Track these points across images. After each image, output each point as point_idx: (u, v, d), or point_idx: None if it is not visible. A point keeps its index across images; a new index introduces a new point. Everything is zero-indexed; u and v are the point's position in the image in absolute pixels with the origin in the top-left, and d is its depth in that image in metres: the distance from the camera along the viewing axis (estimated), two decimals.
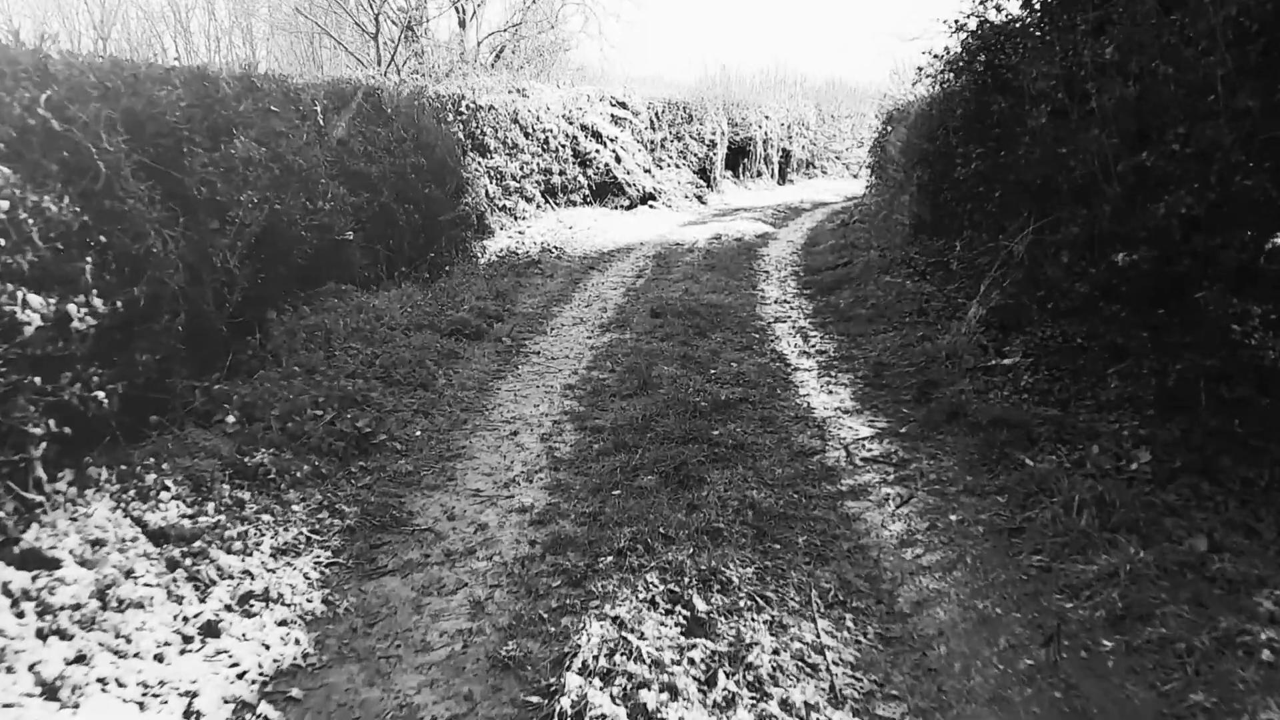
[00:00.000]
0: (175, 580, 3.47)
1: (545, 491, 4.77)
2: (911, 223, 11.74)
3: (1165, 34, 5.97)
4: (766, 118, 25.47)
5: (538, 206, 15.80)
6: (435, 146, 12.08)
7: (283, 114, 7.57)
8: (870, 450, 5.44)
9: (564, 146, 17.03)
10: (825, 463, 5.20)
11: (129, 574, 3.39)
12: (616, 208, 18.14)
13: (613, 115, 19.47)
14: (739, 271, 11.62)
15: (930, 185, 11.14)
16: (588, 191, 17.64)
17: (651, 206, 18.71)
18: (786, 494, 4.70)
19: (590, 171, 17.74)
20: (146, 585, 3.36)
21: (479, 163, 14.15)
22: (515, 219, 14.82)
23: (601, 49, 39.52)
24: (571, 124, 17.66)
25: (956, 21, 9.47)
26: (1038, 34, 8.33)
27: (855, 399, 6.44)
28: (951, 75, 10.63)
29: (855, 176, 29.94)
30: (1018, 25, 9.00)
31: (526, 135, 15.96)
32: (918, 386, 6.47)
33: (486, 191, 13.94)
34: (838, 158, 29.61)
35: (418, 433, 5.48)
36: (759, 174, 25.52)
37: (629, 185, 18.46)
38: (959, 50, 10.05)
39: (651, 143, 21.07)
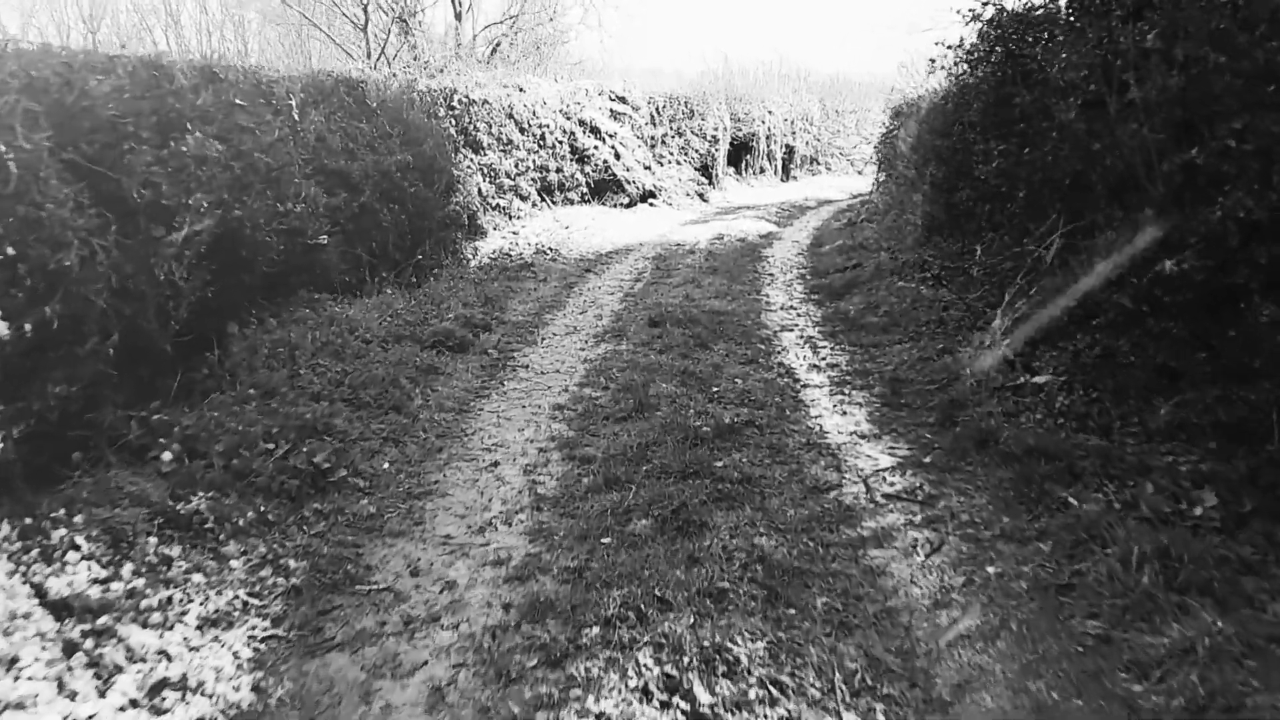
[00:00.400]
0: (70, 669, 2.87)
1: (525, 538, 4.17)
2: (924, 223, 11.13)
3: (1215, 18, 5.36)
4: (770, 112, 24.84)
5: (533, 205, 15.19)
6: (424, 143, 11.47)
7: (251, 108, 6.95)
8: (892, 484, 4.83)
9: (561, 143, 16.42)
10: (843, 500, 4.60)
11: (12, 664, 2.79)
12: (616, 206, 17.53)
13: (612, 110, 18.85)
14: (742, 274, 11.00)
15: (945, 183, 10.52)
16: (586, 189, 17.03)
17: (651, 204, 18.10)
18: (801, 541, 4.09)
19: (588, 169, 17.13)
20: (31, 679, 2.77)
21: (471, 160, 13.54)
22: (509, 218, 14.21)
23: (601, 41, 38.62)
24: (569, 119, 17.05)
25: (972, 11, 8.87)
26: (1065, 21, 7.73)
27: (872, 421, 5.83)
28: (967, 67, 10.03)
29: (860, 173, 29.33)
30: (1039, 13, 8.40)
31: (522, 131, 15.34)
32: (940, 407, 5.86)
33: (479, 190, 13.33)
34: (842, 154, 28.99)
35: (385, 465, 4.88)
36: (762, 171, 24.90)
37: (628, 183, 17.86)
38: (975, 40, 9.46)
39: (652, 138, 20.46)
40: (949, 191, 10.46)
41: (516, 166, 14.74)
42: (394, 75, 13.68)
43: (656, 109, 20.85)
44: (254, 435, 4.49)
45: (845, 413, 6.02)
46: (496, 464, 5.06)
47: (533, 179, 15.32)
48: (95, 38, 25.41)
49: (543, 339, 8.00)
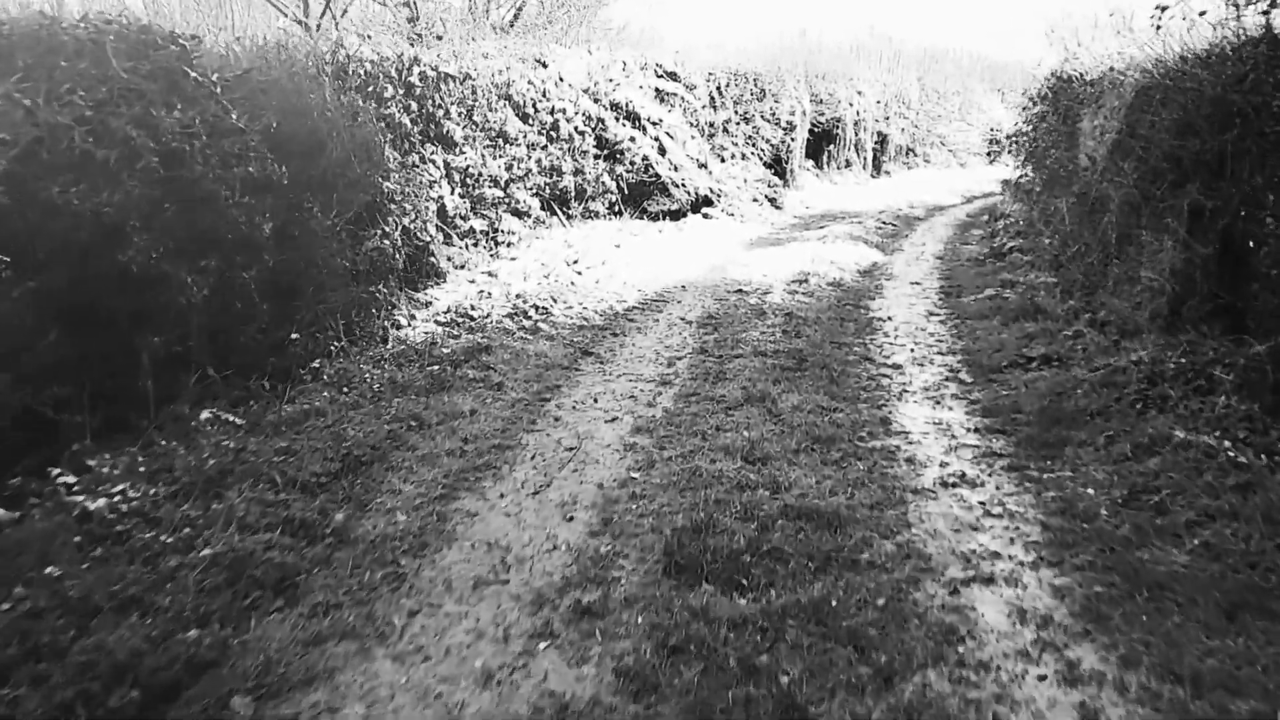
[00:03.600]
0: None
1: None
2: (1176, 289, 6.20)
3: None
4: (859, 94, 19.76)
5: (535, 223, 10.58)
6: (326, 142, 6.96)
7: None
8: None
9: (583, 134, 11.76)
10: None
11: None
12: (658, 217, 12.85)
13: (657, 90, 14.11)
14: (849, 372, 6.22)
15: (1219, 222, 5.69)
16: (616, 197, 12.36)
17: (706, 215, 13.35)
18: None
19: (621, 168, 12.45)
20: None
21: (437, 161, 8.99)
22: (494, 245, 9.63)
23: (651, 5, 31.96)
24: (597, 102, 12.39)
25: None
26: None
27: None
28: None
29: (963, 165, 24.11)
30: None
31: (525, 118, 10.73)
32: None
33: (441, 208, 8.76)
34: (943, 143, 23.70)
35: None
36: (848, 164, 19.87)
37: (676, 186, 13.12)
38: None
39: (710, 126, 15.66)
40: (1231, 239, 5.65)
41: (510, 169, 10.13)
42: (339, 40, 9.20)
43: (717, 88, 16.02)
44: None
45: None
46: None
47: (536, 186, 10.71)
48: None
49: (409, 615, 3.39)
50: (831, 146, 19.51)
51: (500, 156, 10.05)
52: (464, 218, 9.05)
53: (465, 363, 6.10)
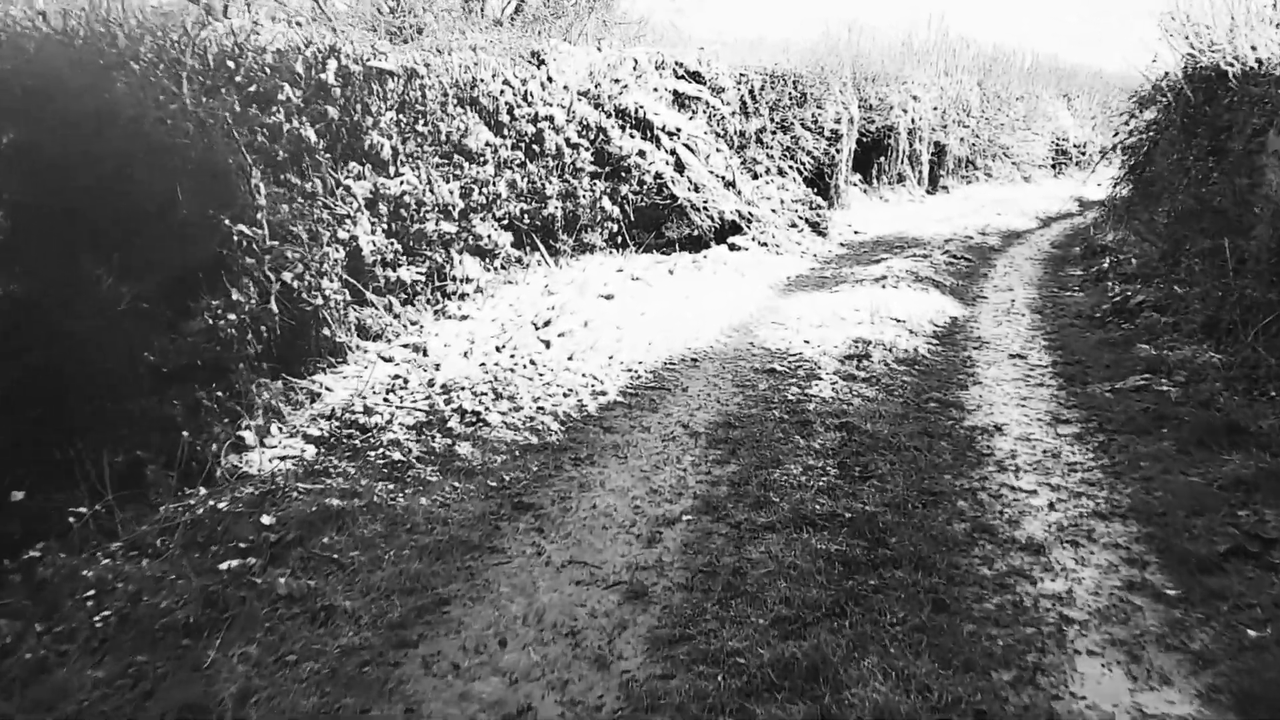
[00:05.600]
0: None
1: None
2: None
3: None
4: (914, 99, 16.91)
5: (506, 264, 7.99)
6: (135, 169, 4.43)
7: None
8: None
9: (576, 147, 9.15)
10: None
11: None
12: (673, 247, 10.22)
13: (676, 93, 11.44)
14: (959, 581, 3.51)
15: None
16: (619, 225, 9.74)
17: (733, 247, 10.64)
18: None
19: (627, 190, 9.82)
20: None
21: (355, 189, 6.42)
22: (443, 298, 7.06)
23: None
24: (598, 107, 9.79)
25: None
26: None
27: None
28: None
29: (1028, 179, 21.14)
30: None
31: (496, 128, 8.16)
32: None
33: (355, 251, 6.18)
34: (1005, 154, 20.70)
35: None
36: (900, 179, 17.03)
37: (696, 210, 10.46)
38: None
39: (741, 136, 12.93)
40: None
41: (466, 195, 7.54)
42: (251, 26, 6.69)
43: (750, 92, 13.28)
44: None
45: None
46: None
47: (508, 215, 8.11)
48: None
49: None
50: (882, 159, 16.70)
51: (458, 178, 7.47)
52: (390, 264, 6.46)
53: (292, 548, 3.49)
